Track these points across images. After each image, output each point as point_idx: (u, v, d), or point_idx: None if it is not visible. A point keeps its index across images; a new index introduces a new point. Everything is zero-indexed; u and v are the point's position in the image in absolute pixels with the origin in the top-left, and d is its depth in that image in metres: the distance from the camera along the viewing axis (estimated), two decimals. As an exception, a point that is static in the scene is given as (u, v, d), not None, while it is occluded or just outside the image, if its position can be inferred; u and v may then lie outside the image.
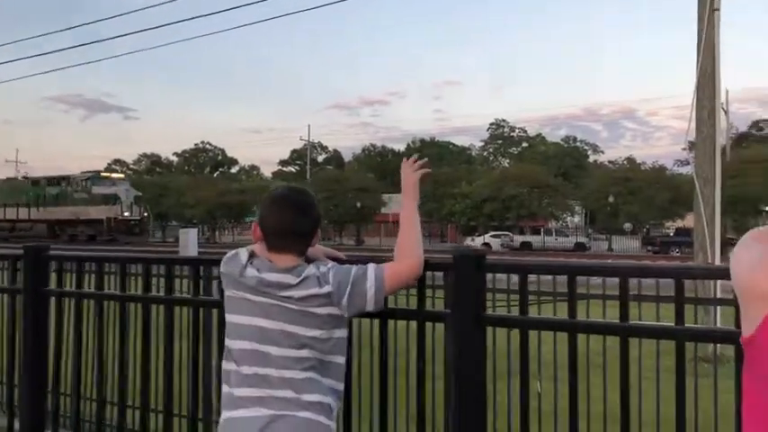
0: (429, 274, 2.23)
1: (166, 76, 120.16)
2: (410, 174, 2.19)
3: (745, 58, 76.12)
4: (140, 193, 44.89)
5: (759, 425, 1.38)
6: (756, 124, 54.95)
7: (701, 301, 5.67)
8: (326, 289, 1.97)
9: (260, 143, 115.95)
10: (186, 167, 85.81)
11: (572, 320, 1.97)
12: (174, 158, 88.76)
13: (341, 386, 2.08)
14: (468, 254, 2.09)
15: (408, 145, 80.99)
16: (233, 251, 2.14)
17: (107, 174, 48.80)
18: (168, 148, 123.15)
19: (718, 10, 9.93)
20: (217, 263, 2.80)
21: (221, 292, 2.29)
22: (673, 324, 1.86)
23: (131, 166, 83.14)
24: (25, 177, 50.26)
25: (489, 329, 2.26)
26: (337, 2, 18.24)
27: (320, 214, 2.12)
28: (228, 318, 2.11)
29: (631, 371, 1.94)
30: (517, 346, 2.26)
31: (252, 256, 2.08)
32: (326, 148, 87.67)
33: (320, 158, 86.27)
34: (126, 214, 40.98)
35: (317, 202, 2.13)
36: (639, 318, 3.64)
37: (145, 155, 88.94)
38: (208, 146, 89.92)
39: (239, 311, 2.05)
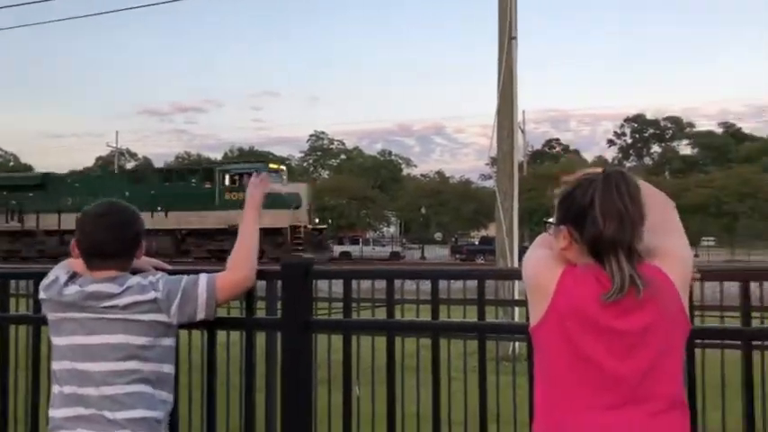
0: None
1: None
2: (255, 188, 2.25)
3: (540, 82, 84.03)
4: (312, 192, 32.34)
5: (541, 404, 1.64)
6: (549, 143, 60.89)
7: (501, 303, 6.23)
8: (152, 295, 1.97)
9: (61, 149, 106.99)
10: (-30, 173, 76.90)
11: (390, 320, 2.13)
12: (-45, 162, 79.18)
13: (170, 398, 2.08)
14: (297, 263, 2.18)
15: (226, 154, 79.26)
16: (51, 275, 2.08)
17: (275, 164, 33.87)
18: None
19: (516, 38, 10.94)
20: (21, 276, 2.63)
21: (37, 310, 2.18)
22: (476, 320, 2.09)
23: None
24: (114, 171, 34.87)
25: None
26: (149, 5, 17.54)
27: (140, 228, 2.10)
28: (52, 340, 2.05)
29: (442, 372, 2.12)
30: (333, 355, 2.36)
31: (73, 276, 2.04)
32: (136, 155, 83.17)
33: (129, 166, 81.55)
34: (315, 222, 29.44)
35: (137, 215, 2.11)
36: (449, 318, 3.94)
37: None
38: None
39: (61, 333, 2.01)
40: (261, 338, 2.41)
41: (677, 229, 1.71)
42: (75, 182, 32.80)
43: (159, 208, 28.46)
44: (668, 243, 1.65)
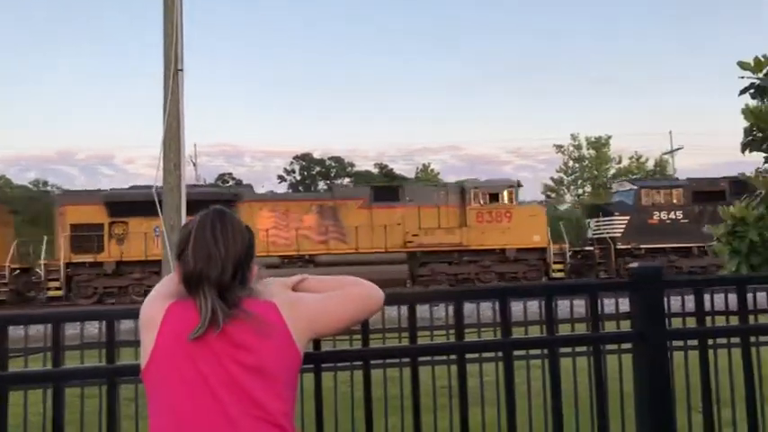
0: None
1: None
2: None
3: (217, 117, 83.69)
4: None
5: None
6: (222, 177, 61.07)
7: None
8: None
9: None
10: None
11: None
12: None
13: None
14: None
15: None
16: None
17: None
18: None
19: (182, 70, 10.81)
20: None
21: None
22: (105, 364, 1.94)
23: None
24: None
25: None
26: None
27: None
28: None
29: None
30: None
31: None
32: None
33: None
34: None
35: None
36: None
37: None
38: None
39: None
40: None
41: (334, 295, 1.79)
42: None
43: None
44: (310, 297, 1.75)
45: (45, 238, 24.39)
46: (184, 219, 10.83)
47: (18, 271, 24.15)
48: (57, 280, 23.49)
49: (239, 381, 1.56)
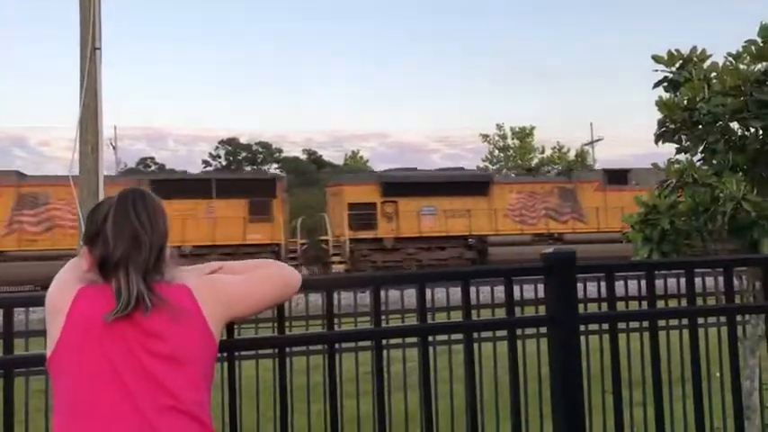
0: None
1: None
2: None
3: (139, 99, 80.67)
4: None
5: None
6: (144, 161, 59.19)
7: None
8: None
9: None
10: None
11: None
12: None
13: None
14: None
15: None
16: None
17: None
18: None
19: (100, 49, 10.35)
20: None
21: None
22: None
23: None
24: None
25: None
26: None
27: None
28: None
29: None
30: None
31: None
32: None
33: None
34: None
35: None
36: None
37: None
38: None
39: None
40: None
41: (251, 277, 1.76)
42: None
43: None
44: (226, 279, 1.70)
45: (325, 216, 25.62)
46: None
47: (306, 246, 25.43)
48: (338, 255, 24.73)
49: (151, 370, 1.50)
